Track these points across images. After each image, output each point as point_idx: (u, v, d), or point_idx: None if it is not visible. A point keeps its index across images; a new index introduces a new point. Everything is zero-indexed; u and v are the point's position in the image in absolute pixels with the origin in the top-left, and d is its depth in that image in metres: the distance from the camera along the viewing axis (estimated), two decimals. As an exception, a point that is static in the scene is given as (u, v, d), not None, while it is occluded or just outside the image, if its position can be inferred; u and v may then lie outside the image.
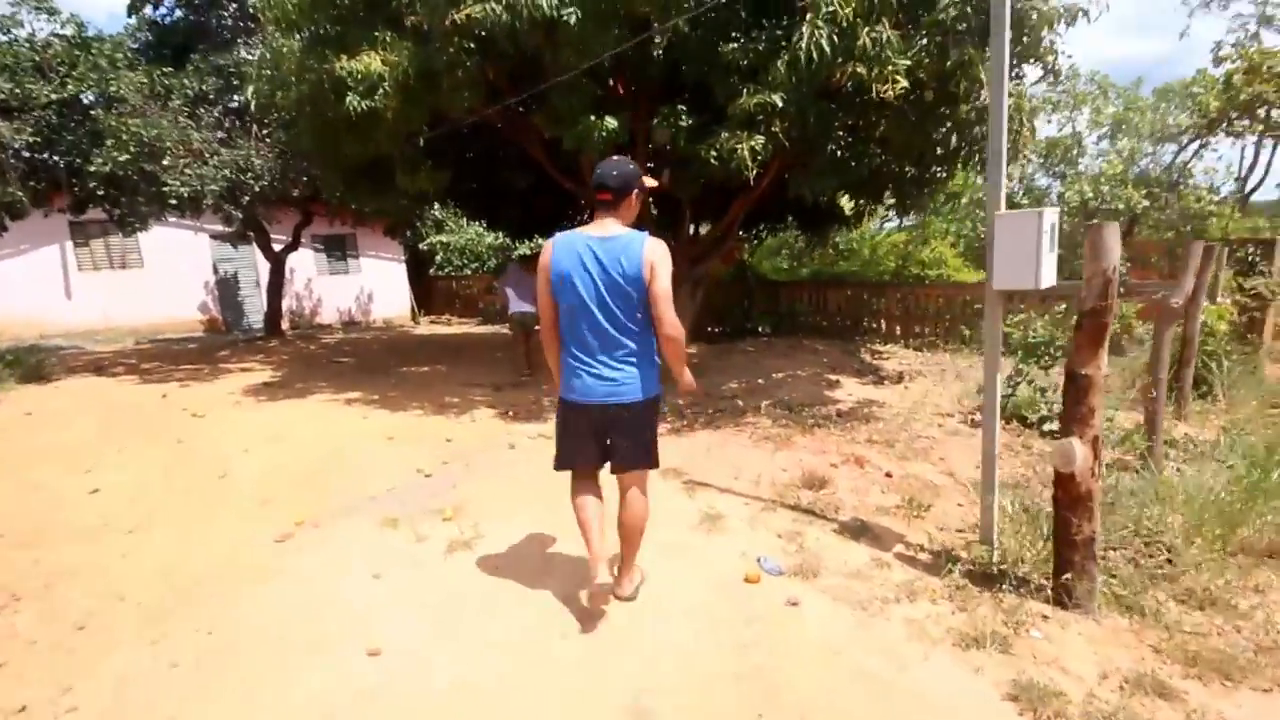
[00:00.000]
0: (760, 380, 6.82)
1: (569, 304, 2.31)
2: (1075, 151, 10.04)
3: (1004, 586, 2.58)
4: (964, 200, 10.63)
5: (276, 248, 11.14)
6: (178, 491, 3.94)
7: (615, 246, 2.25)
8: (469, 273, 17.29)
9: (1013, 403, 4.90)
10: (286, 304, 13.89)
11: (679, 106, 5.70)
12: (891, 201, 8.80)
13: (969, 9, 3.97)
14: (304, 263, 14.24)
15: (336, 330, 14.17)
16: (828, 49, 3.81)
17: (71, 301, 11.86)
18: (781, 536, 3.08)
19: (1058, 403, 4.70)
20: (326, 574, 2.87)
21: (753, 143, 4.48)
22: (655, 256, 2.26)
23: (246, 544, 3.21)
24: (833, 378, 6.85)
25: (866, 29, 3.82)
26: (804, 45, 3.83)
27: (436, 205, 11.36)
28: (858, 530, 3.15)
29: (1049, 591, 2.52)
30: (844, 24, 3.85)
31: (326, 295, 15.01)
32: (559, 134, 5.93)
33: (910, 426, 4.82)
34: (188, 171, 6.75)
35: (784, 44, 4.29)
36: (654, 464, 2.52)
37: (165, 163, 6.67)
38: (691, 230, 9.40)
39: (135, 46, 8.35)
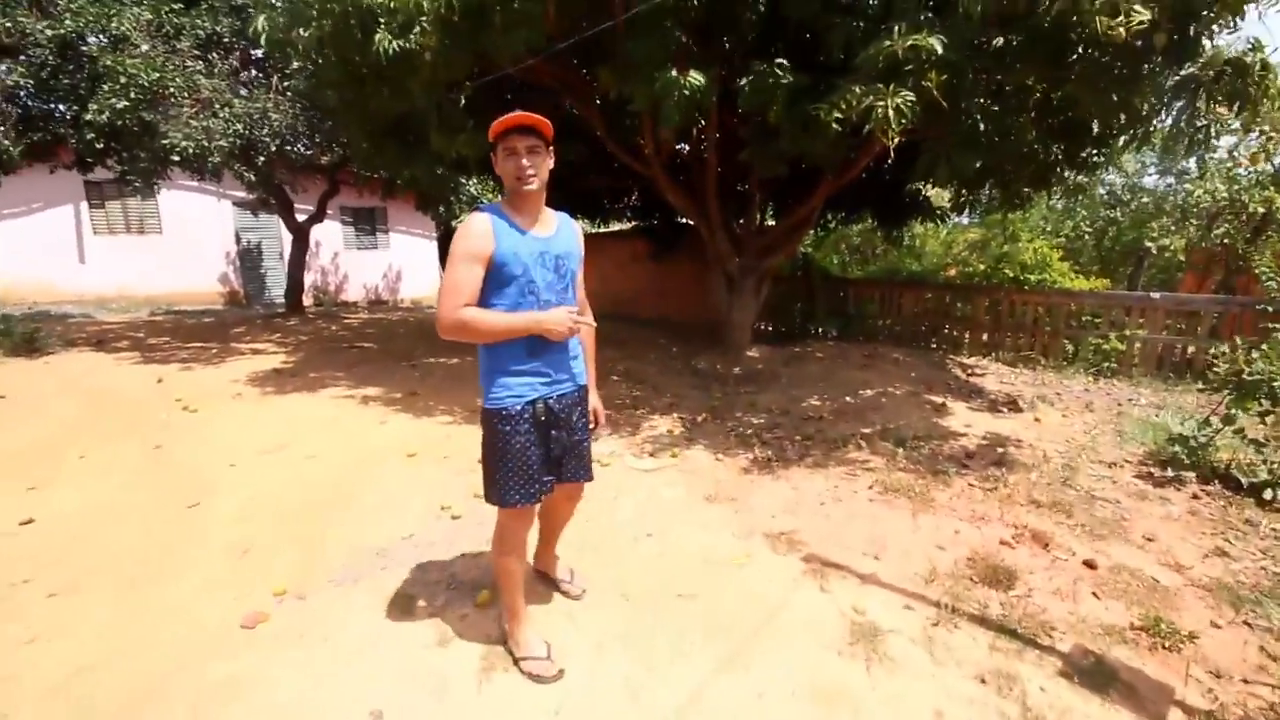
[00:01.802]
0: (848, 398, 5.73)
1: None
2: (1203, 146, 8.61)
3: None
4: (1097, 191, 9.29)
5: (300, 218, 10.29)
6: (133, 528, 3.03)
7: None
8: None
9: (1207, 454, 3.76)
10: (310, 279, 13.14)
11: (778, 62, 4.59)
12: (993, 192, 7.60)
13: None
14: (331, 236, 13.44)
15: (361, 309, 13.38)
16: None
17: (85, 266, 11.21)
18: (986, 682, 2.04)
19: (1284, 463, 3.57)
20: (303, 703, 1.91)
21: (899, 99, 3.36)
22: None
23: (203, 630, 2.27)
24: (934, 399, 5.73)
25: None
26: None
27: (474, 178, 10.40)
28: (1098, 675, 2.09)
29: None
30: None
31: (353, 271, 14.23)
32: (628, 93, 4.87)
33: (1075, 481, 3.71)
34: (192, 123, 5.85)
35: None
36: (490, 499, 1.99)
37: (169, 112, 5.78)
38: (758, 219, 8.30)
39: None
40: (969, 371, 7.44)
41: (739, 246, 7.57)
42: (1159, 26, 2.90)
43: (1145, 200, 9.09)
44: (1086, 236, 9.76)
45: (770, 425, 4.99)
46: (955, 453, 4.22)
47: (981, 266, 9.43)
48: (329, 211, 11.93)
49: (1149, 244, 8.67)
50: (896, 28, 3.39)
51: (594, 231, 13.55)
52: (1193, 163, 9.76)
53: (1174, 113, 3.97)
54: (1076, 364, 7.78)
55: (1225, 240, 8.43)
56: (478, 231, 1.78)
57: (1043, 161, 5.14)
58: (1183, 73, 3.37)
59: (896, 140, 3.49)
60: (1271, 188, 8.14)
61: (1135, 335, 7.56)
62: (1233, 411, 3.64)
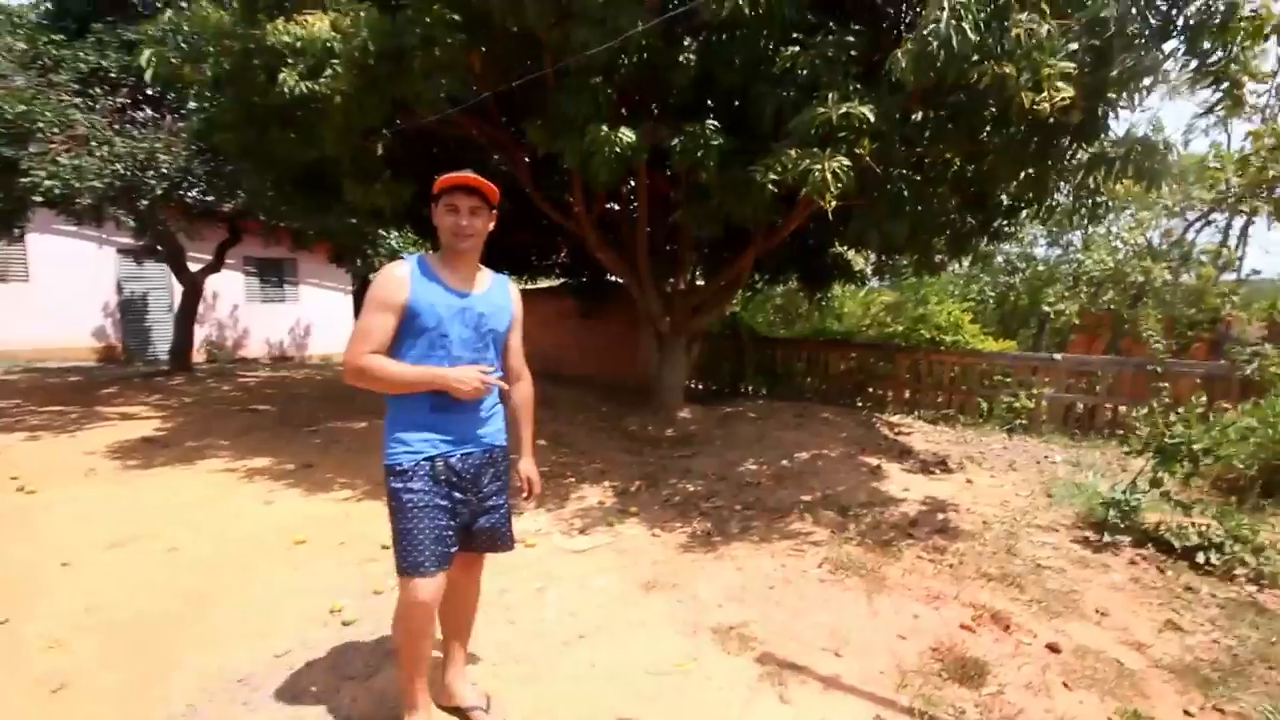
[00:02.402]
0: (784, 461, 5.57)
1: None
2: (1100, 220, 9.41)
3: None
4: (997, 259, 9.90)
5: (195, 267, 9.39)
6: (-96, 660, 2.32)
7: None
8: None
9: (1137, 518, 3.78)
10: (205, 333, 12.03)
11: (709, 123, 4.59)
12: (911, 257, 7.94)
13: (1137, 4, 3.01)
14: (231, 287, 12.42)
15: (263, 366, 12.29)
16: (972, 36, 2.71)
17: (-72, 318, 9.73)
18: (978, 814, 1.76)
19: (1210, 524, 3.63)
20: None
21: (835, 164, 3.33)
22: None
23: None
24: (870, 461, 5.66)
25: (1023, 13, 2.77)
26: (939, 31, 2.73)
27: (393, 230, 9.92)
28: (1091, 792, 1.86)
29: None
30: (987, 8, 2.79)
31: (255, 325, 13.12)
32: (557, 148, 4.71)
33: (1018, 549, 3.62)
34: (61, 161, 5.17)
35: (895, 35, 3.22)
36: (400, 569, 1.81)
37: (32, 149, 5.09)
38: (689, 278, 8.29)
39: (35, 19, 6.75)
40: (896, 430, 7.52)
41: (669, 306, 7.47)
42: (1075, 104, 3.03)
43: (1041, 268, 9.84)
44: (990, 300, 10.41)
45: (708, 493, 4.72)
46: (898, 520, 4.08)
47: (899, 327, 9.78)
48: (229, 261, 11.08)
49: (1046, 308, 9.31)
50: (830, 95, 3.40)
51: (520, 288, 13.26)
52: (1077, 236, 10.71)
53: (1075, 188, 4.19)
54: (991, 421, 8.06)
55: (1111, 306, 9.16)
56: (394, 278, 1.76)
57: (958, 230, 5.34)
58: (1092, 150, 3.55)
59: (833, 204, 3.45)
60: (1149, 258, 8.97)
61: (1042, 394, 7.94)
62: (1158, 475, 3.69)
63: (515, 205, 7.21)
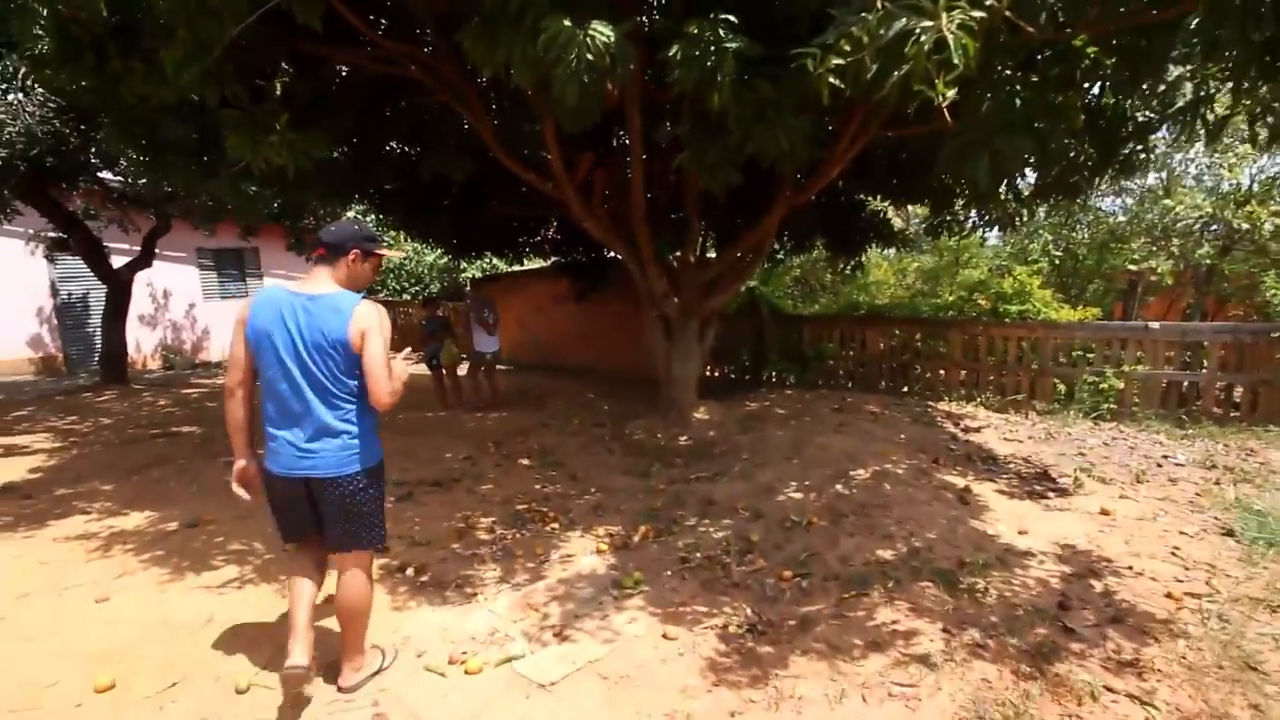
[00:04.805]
0: (838, 486, 4.17)
1: (266, 364, 2.01)
2: (1173, 162, 7.82)
3: None
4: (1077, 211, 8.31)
5: (120, 262, 8.06)
6: None
7: (323, 305, 1.99)
8: (408, 298, 14.40)
9: None
10: (159, 337, 10.77)
11: (722, 17, 3.15)
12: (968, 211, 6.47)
13: None
14: (185, 284, 11.09)
15: (223, 371, 11.03)
16: None
17: None
18: None
19: None
20: None
21: (958, 21, 1.88)
22: (368, 321, 1.99)
23: None
24: (951, 480, 4.26)
25: None
26: None
27: (346, 205, 8.49)
28: None
29: None
30: None
31: (217, 324, 11.80)
32: (501, 60, 3.27)
33: (1252, 652, 2.23)
34: None
35: None
36: (373, 544, 2.20)
37: None
38: (698, 249, 6.82)
39: None
40: (960, 425, 6.10)
41: (677, 284, 6.05)
42: None
43: (1115, 220, 8.25)
44: (1056, 261, 8.85)
45: (741, 545, 3.36)
46: (1038, 598, 2.69)
47: (948, 296, 8.27)
48: (179, 254, 9.77)
49: (1132, 267, 7.77)
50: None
51: (508, 270, 11.85)
52: (1151, 178, 9.08)
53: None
54: (1072, 406, 6.63)
55: (1207, 261, 7.61)
56: None
57: (1073, 160, 3.86)
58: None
59: (948, 96, 2.00)
60: (1251, 202, 7.39)
61: (1135, 372, 6.48)
62: None
63: (490, 171, 5.79)
